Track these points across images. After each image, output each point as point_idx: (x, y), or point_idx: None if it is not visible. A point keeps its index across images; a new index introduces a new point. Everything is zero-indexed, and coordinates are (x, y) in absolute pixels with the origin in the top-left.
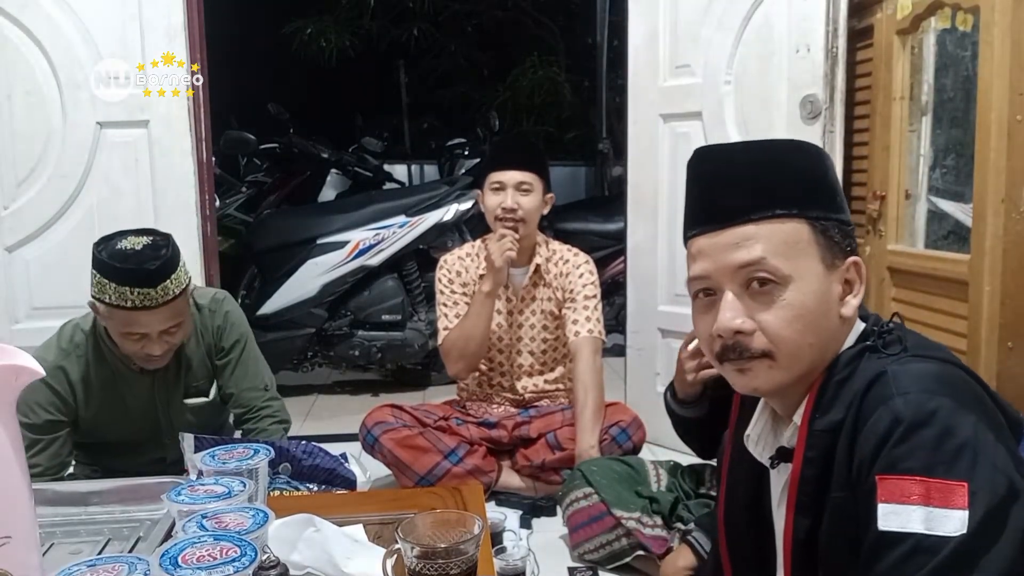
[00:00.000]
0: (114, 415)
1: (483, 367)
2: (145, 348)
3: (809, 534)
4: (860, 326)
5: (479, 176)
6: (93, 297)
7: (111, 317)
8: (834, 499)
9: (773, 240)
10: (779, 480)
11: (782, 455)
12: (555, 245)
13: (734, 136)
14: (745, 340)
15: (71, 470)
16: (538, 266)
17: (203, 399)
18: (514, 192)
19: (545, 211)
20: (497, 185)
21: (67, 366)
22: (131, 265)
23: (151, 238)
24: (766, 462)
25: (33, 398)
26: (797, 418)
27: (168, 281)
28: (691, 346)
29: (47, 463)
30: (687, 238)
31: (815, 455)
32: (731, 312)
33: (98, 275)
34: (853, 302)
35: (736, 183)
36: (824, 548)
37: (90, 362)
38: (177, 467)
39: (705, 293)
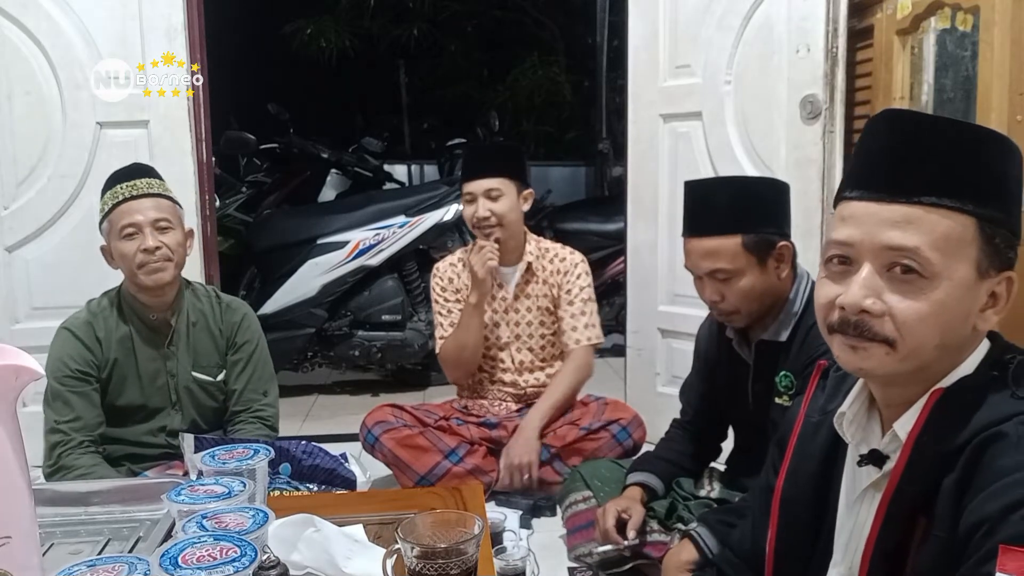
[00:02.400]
0: (127, 375)
1: (484, 365)
2: (142, 244)
3: (894, 547)
4: (985, 345)
5: None
6: (100, 225)
7: (111, 228)
8: (936, 537)
9: (935, 231)
10: (860, 476)
11: (874, 459)
12: (547, 243)
13: (734, 136)
14: (870, 321)
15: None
16: (529, 264)
17: (210, 378)
18: (484, 200)
19: (525, 207)
20: (468, 197)
21: (94, 323)
22: (118, 170)
23: None
24: (855, 455)
25: (65, 351)
26: (899, 430)
27: (152, 179)
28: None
29: (86, 414)
30: (841, 198)
31: (917, 475)
32: (864, 290)
33: (101, 199)
34: (993, 318)
35: (917, 157)
36: (914, 573)
37: (111, 322)
38: (176, 435)
39: (840, 260)
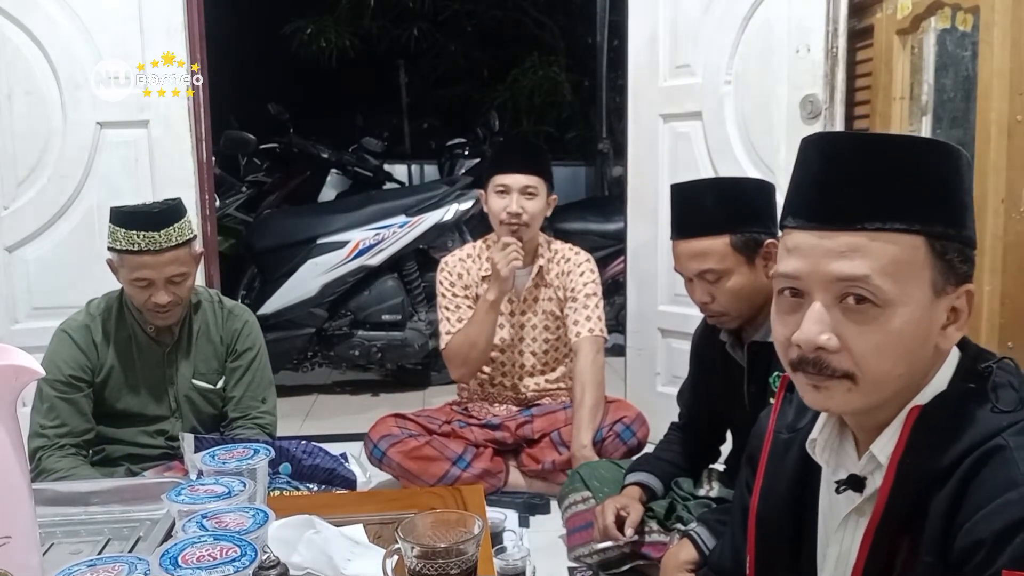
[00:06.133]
0: (125, 380)
1: (486, 368)
2: (153, 297)
3: (880, 572)
4: (955, 355)
5: (482, 176)
6: (108, 250)
7: (121, 265)
8: (925, 563)
9: (883, 257)
10: (839, 502)
11: (852, 483)
12: (557, 245)
13: (734, 136)
14: (827, 357)
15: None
16: (540, 267)
17: (210, 385)
18: (519, 197)
19: (548, 212)
20: (502, 189)
21: (92, 326)
22: (139, 211)
23: (161, 200)
24: (831, 479)
25: (59, 355)
26: (878, 452)
27: (171, 228)
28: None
29: (72, 421)
30: (783, 227)
31: (902, 497)
32: (817, 326)
33: (112, 226)
34: (955, 334)
35: (855, 182)
36: None
37: (111, 325)
38: (177, 442)
39: (792, 293)
